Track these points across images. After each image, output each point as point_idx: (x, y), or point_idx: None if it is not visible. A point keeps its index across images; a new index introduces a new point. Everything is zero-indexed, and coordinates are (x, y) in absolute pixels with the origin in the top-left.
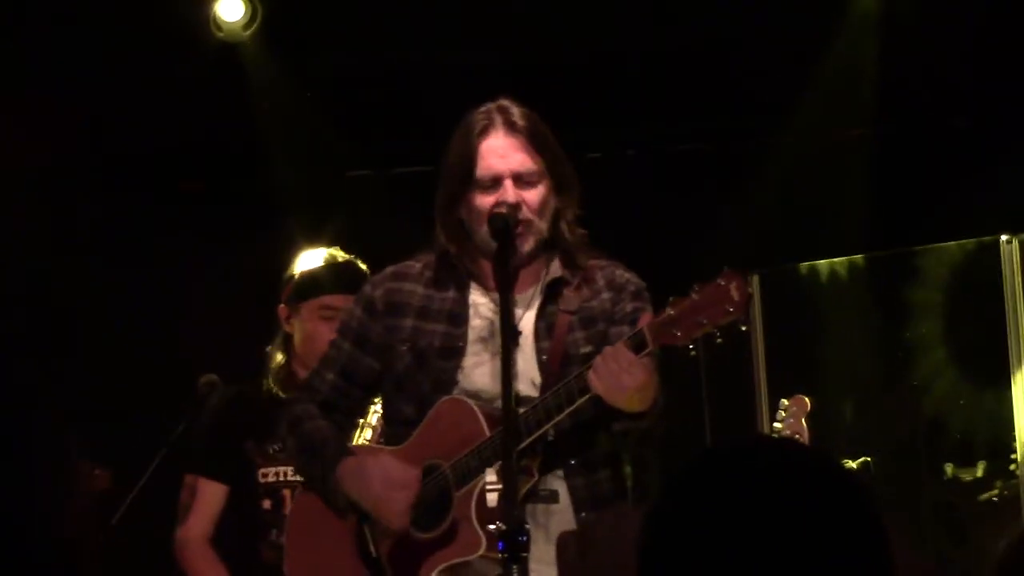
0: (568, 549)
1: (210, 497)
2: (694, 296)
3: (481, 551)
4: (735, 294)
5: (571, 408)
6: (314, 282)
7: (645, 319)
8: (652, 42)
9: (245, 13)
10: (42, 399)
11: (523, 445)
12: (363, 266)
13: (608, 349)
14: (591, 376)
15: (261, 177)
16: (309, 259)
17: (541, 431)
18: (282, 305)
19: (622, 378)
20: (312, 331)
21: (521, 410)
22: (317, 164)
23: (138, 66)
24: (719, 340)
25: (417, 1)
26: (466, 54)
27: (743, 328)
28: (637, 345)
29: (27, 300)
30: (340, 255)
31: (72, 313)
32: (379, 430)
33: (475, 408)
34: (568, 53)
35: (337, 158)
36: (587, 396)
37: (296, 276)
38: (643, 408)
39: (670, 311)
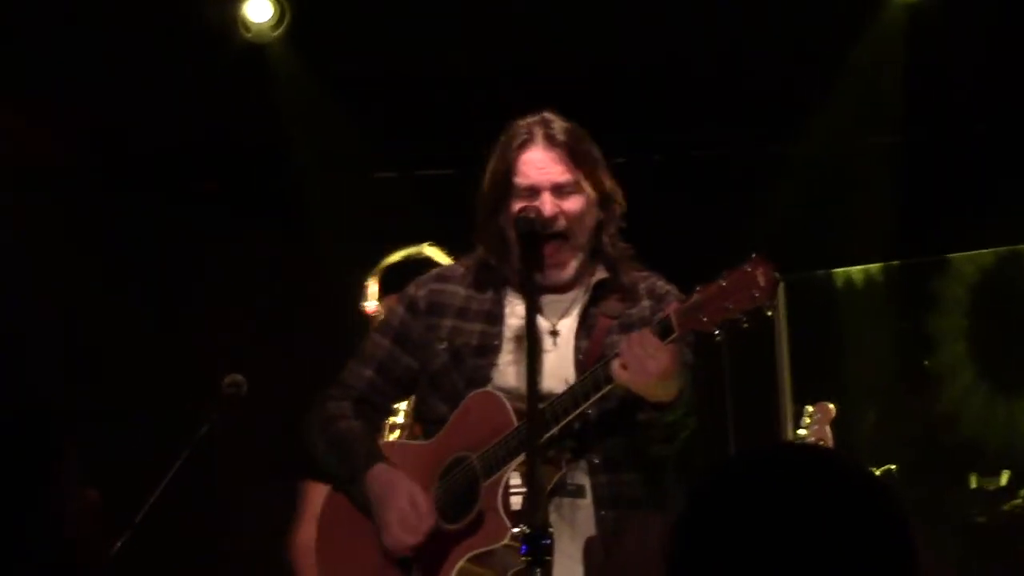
0: (595, 553)
1: (315, 499)
2: (721, 282)
3: (507, 539)
4: (762, 280)
5: (597, 396)
6: (396, 279)
7: (673, 305)
8: (679, 47)
9: (273, 14)
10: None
11: (551, 433)
12: (447, 260)
13: (634, 335)
14: (615, 365)
15: (285, 178)
16: (393, 257)
17: (567, 419)
18: (372, 306)
19: (647, 363)
20: None
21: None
22: (341, 166)
23: (165, 66)
24: (745, 325)
25: (444, 4)
26: (491, 58)
27: (769, 313)
28: (663, 331)
29: (42, 299)
30: (427, 250)
31: (88, 312)
32: (407, 429)
33: (504, 400)
34: (595, 58)
35: (361, 160)
36: (612, 385)
37: (377, 276)
38: (667, 398)
39: (697, 296)
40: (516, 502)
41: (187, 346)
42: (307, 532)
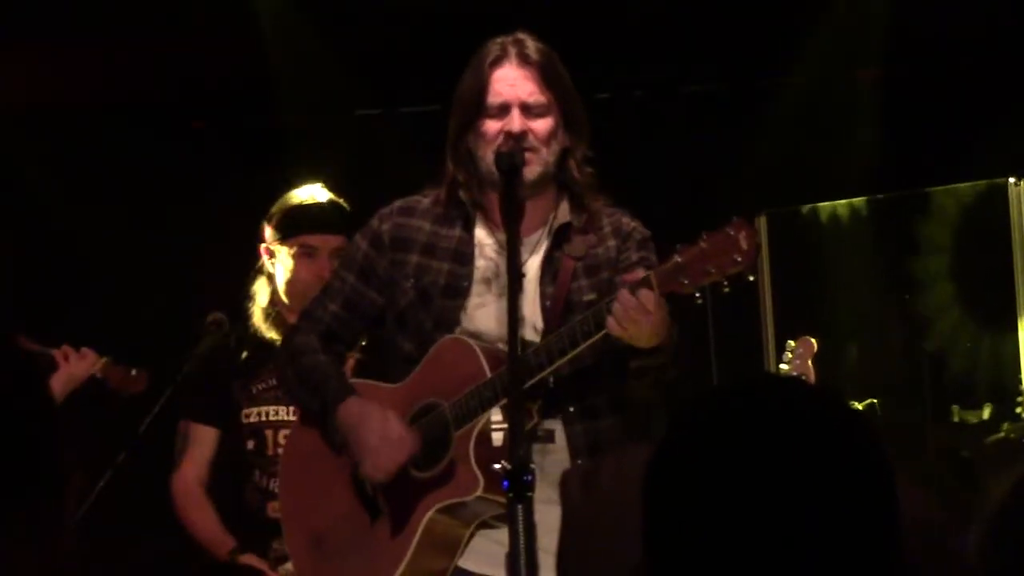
0: (571, 487)
1: (201, 441)
2: (702, 244)
3: (478, 492)
4: (744, 243)
5: (585, 344)
6: (294, 221)
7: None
8: None
9: None
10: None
11: (527, 385)
12: (345, 205)
13: (626, 291)
14: (611, 316)
15: (271, 117)
16: (290, 196)
17: (548, 371)
18: (264, 244)
19: (643, 319)
20: (293, 270)
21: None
22: (324, 103)
23: (147, 6)
24: (726, 289)
25: None
26: None
27: (751, 279)
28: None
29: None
30: (321, 194)
31: (70, 251)
32: (360, 361)
33: (476, 348)
34: None
35: (345, 97)
36: (602, 333)
37: (277, 213)
38: (658, 342)
39: (677, 258)
40: (497, 438)
41: (171, 284)
42: (190, 473)
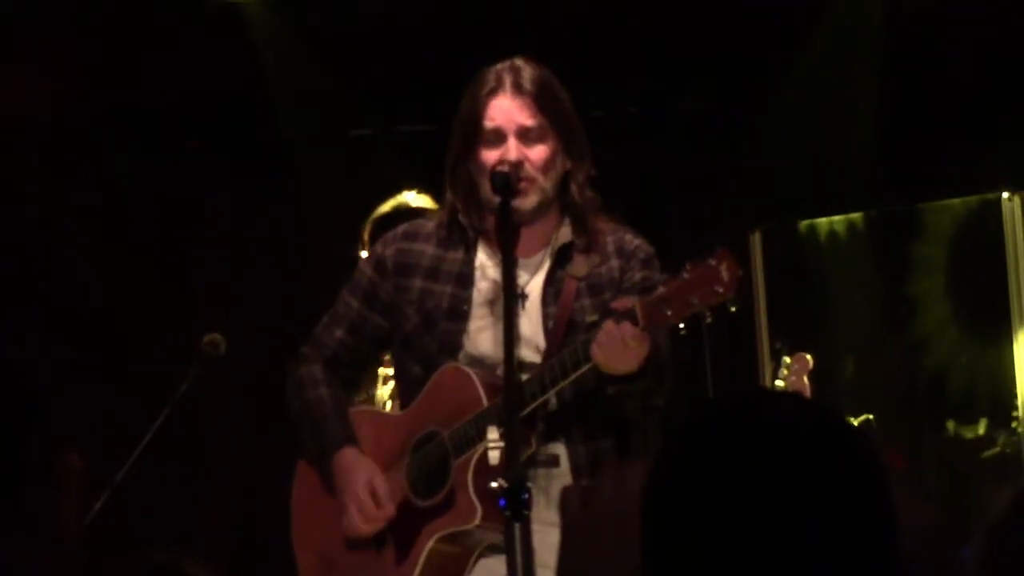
0: (571, 503)
1: None
2: (685, 275)
3: (477, 520)
4: (725, 275)
5: (574, 375)
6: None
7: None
8: None
9: None
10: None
11: (523, 414)
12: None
13: (610, 323)
14: (594, 348)
15: (268, 136)
16: (385, 206)
17: (538, 402)
18: (365, 255)
19: (628, 353)
20: None
21: (523, 377)
22: (320, 122)
23: (142, 22)
24: (708, 320)
25: None
26: (470, 10)
27: (733, 309)
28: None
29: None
30: (414, 200)
31: (66, 270)
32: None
33: (474, 377)
34: (570, 9)
35: (340, 116)
36: (589, 365)
37: (371, 225)
38: (632, 369)
39: (662, 290)
40: (494, 457)
41: (167, 304)
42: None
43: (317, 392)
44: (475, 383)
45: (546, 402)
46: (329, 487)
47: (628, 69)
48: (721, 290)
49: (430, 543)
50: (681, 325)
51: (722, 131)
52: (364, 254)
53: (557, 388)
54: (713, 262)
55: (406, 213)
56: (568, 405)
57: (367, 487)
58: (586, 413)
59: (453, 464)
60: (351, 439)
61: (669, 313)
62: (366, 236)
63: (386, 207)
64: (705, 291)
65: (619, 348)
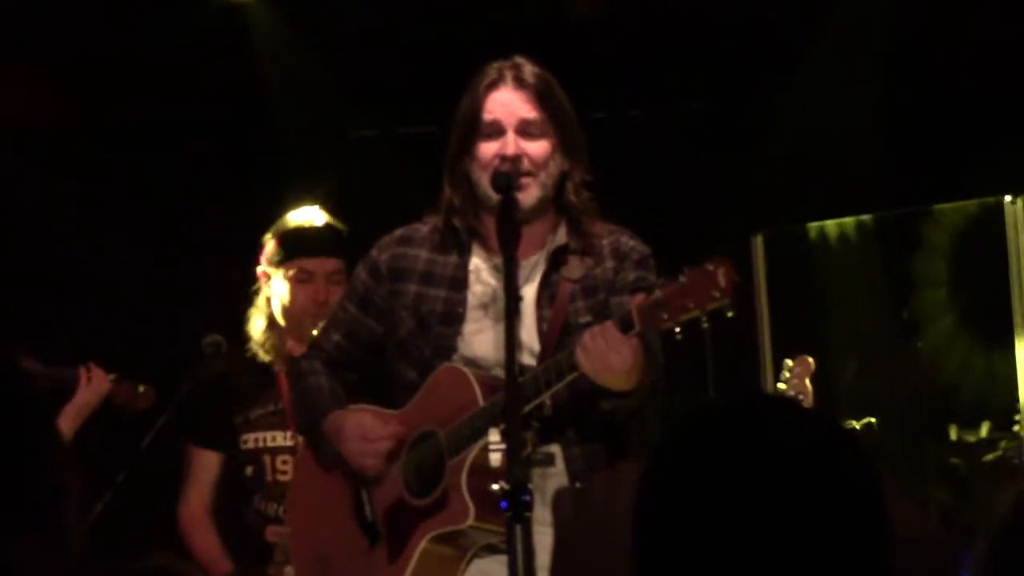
0: (564, 505)
1: (204, 466)
2: (682, 280)
3: (470, 521)
4: (722, 280)
5: (560, 384)
6: (290, 244)
7: (638, 298)
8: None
9: None
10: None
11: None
12: (342, 227)
13: (596, 328)
14: (578, 353)
15: (268, 138)
16: (285, 220)
17: (531, 406)
18: (262, 269)
19: (609, 357)
20: (289, 293)
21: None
22: (320, 124)
23: (142, 27)
24: (705, 325)
25: None
26: (471, 11)
27: (729, 315)
28: (624, 325)
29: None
30: (318, 218)
31: (70, 272)
32: None
33: (470, 377)
34: (573, 13)
35: (340, 118)
36: (576, 374)
37: (271, 238)
38: (629, 388)
39: (658, 293)
40: (495, 459)
41: (167, 306)
42: (195, 499)
43: (317, 379)
44: (472, 383)
45: (541, 404)
46: (325, 476)
47: (630, 71)
48: (718, 295)
49: (423, 543)
50: (677, 330)
51: (724, 135)
52: (260, 268)
53: (547, 394)
54: (711, 267)
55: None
56: (564, 406)
57: (358, 423)
58: (582, 414)
59: (448, 464)
60: (342, 407)
61: (665, 317)
62: (270, 249)
63: (292, 223)
64: (702, 296)
65: (603, 352)
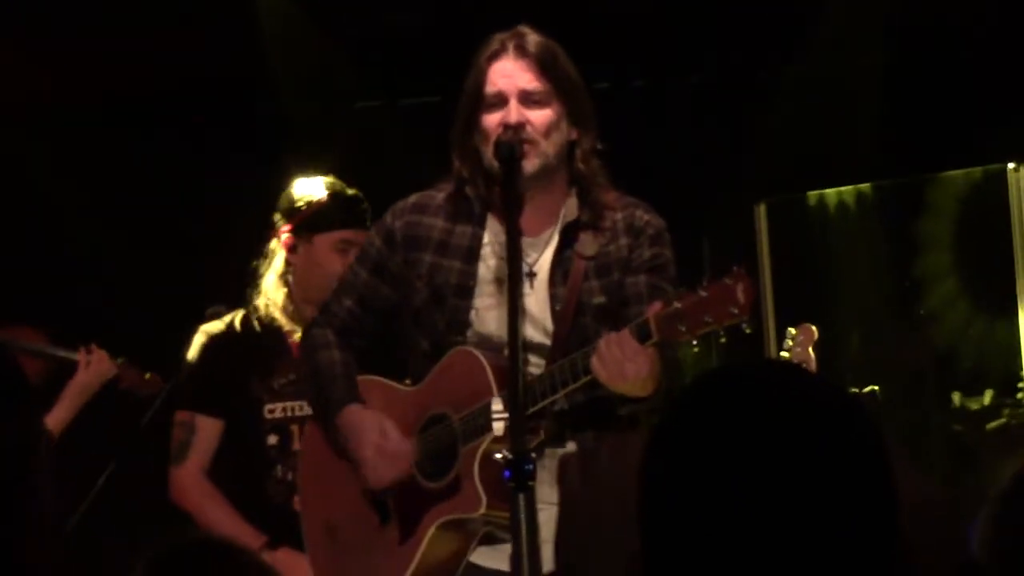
0: (570, 472)
1: (208, 434)
2: (702, 293)
3: (481, 510)
4: (741, 296)
5: (573, 386)
6: (330, 214)
7: (654, 308)
8: None
9: None
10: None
11: (532, 411)
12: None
13: (612, 335)
14: (594, 361)
15: (271, 110)
16: (311, 188)
17: (545, 402)
18: (287, 235)
19: (625, 366)
20: (326, 263)
21: (533, 373)
22: (325, 95)
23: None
24: (722, 339)
25: None
26: None
27: (748, 331)
28: (641, 334)
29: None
30: (345, 187)
31: (71, 245)
32: None
33: (486, 364)
34: None
35: (346, 89)
36: (589, 377)
37: (305, 205)
38: (644, 395)
39: (677, 305)
40: (498, 427)
41: (171, 277)
42: (196, 465)
43: (329, 353)
44: (487, 370)
45: (554, 402)
46: (335, 449)
47: (633, 42)
48: (736, 311)
49: (432, 528)
50: (695, 342)
51: (728, 105)
52: (288, 240)
53: (561, 394)
54: (730, 282)
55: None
56: (578, 403)
57: (379, 431)
58: (595, 411)
59: (461, 450)
60: (358, 399)
61: (683, 329)
62: (303, 215)
63: (327, 192)
64: (720, 311)
65: (618, 361)
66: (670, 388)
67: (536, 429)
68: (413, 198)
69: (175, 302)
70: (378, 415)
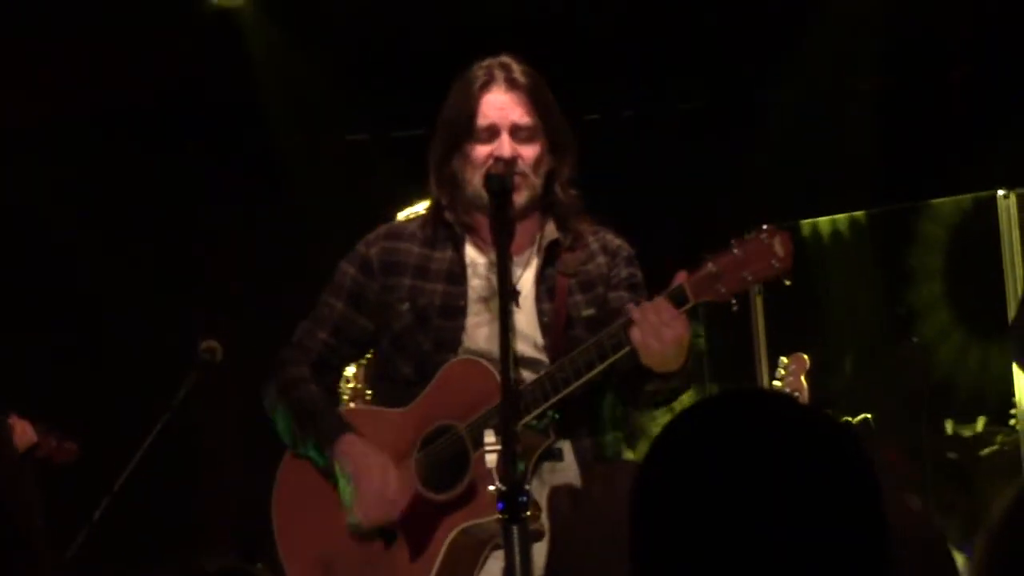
0: (562, 501)
1: None
2: (735, 251)
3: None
4: (780, 249)
5: (603, 365)
6: None
7: (682, 276)
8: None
9: None
10: None
11: (551, 403)
12: None
13: (646, 303)
14: (633, 331)
15: (262, 141)
16: None
17: (569, 389)
18: None
19: (663, 331)
20: None
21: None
22: (315, 128)
23: (137, 28)
24: (735, 307)
25: None
26: (464, 13)
27: (787, 283)
28: (677, 300)
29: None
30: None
31: (62, 275)
32: (360, 396)
33: (490, 368)
34: (566, 12)
35: (335, 121)
36: (623, 351)
37: None
38: (676, 367)
39: (711, 266)
40: (491, 460)
41: (162, 310)
42: None
43: (307, 388)
44: (492, 373)
45: (565, 399)
46: (322, 483)
47: (623, 71)
48: (778, 264)
49: (450, 536)
50: (734, 302)
51: (719, 133)
52: None
53: (589, 376)
54: (764, 237)
55: None
56: (577, 402)
57: (382, 473)
58: (594, 409)
59: (473, 457)
60: (351, 428)
61: (722, 290)
62: None
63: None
64: (759, 266)
65: (656, 326)
66: (686, 366)
67: (545, 431)
68: (384, 227)
69: (166, 333)
70: (382, 456)
